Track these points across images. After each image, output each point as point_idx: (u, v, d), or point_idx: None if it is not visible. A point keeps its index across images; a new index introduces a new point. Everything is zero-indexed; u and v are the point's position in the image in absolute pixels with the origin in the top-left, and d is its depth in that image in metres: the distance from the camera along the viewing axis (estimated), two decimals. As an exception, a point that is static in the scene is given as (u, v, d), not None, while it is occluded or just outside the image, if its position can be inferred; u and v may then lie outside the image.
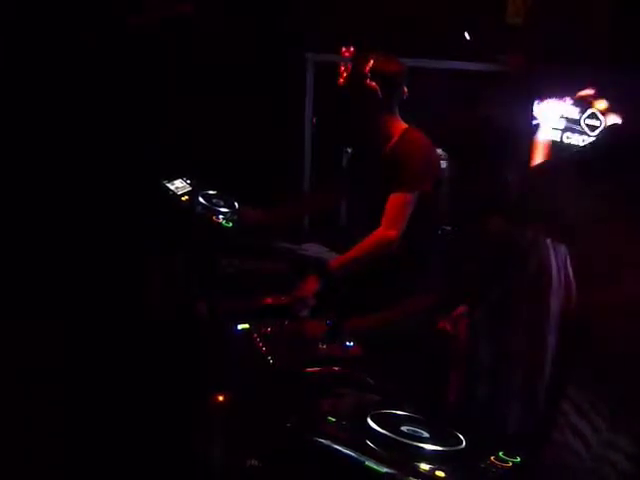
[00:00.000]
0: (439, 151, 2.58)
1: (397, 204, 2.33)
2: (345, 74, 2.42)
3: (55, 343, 2.71)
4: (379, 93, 2.36)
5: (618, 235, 1.41)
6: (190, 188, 2.68)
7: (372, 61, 2.35)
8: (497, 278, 1.83)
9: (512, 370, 1.81)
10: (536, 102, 3.00)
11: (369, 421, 1.38)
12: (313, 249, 2.99)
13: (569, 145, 2.98)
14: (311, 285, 2.25)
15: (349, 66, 2.40)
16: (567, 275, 1.79)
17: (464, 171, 1.97)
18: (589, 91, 2.41)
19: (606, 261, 1.42)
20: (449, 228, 3.63)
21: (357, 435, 1.33)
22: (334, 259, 2.45)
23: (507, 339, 1.83)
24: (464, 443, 1.38)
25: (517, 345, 1.80)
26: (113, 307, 2.78)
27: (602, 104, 1.72)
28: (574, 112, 3.00)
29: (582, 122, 2.88)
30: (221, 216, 2.59)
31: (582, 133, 2.91)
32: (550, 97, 2.82)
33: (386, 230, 2.31)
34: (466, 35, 3.85)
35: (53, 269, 3.02)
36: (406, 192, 2.33)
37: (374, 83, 2.35)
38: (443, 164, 3.50)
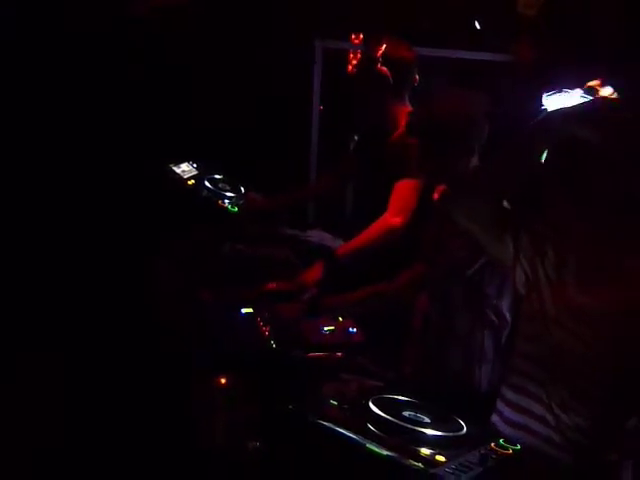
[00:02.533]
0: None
1: (403, 191, 2.33)
2: (354, 61, 2.41)
3: (57, 329, 2.72)
4: (390, 78, 2.35)
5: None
6: (196, 172, 2.68)
7: (384, 46, 2.34)
8: (478, 253, 1.87)
9: (485, 336, 1.96)
10: (545, 93, 2.98)
11: (371, 405, 1.39)
12: (317, 236, 2.99)
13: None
14: (316, 272, 2.26)
15: (358, 53, 2.39)
16: None
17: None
18: (597, 82, 2.39)
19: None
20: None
21: (359, 419, 1.34)
22: (340, 246, 2.45)
23: (481, 309, 1.96)
24: (465, 429, 1.39)
25: (488, 314, 1.96)
26: (118, 291, 2.78)
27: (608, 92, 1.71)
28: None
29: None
30: (227, 201, 2.59)
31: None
32: (559, 88, 2.80)
33: (392, 217, 2.32)
34: (476, 25, 3.82)
35: (58, 252, 3.03)
36: (412, 179, 2.33)
37: (385, 68, 2.35)
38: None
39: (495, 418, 1.56)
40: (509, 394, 1.54)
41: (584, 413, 1.43)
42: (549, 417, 1.46)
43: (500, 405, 1.56)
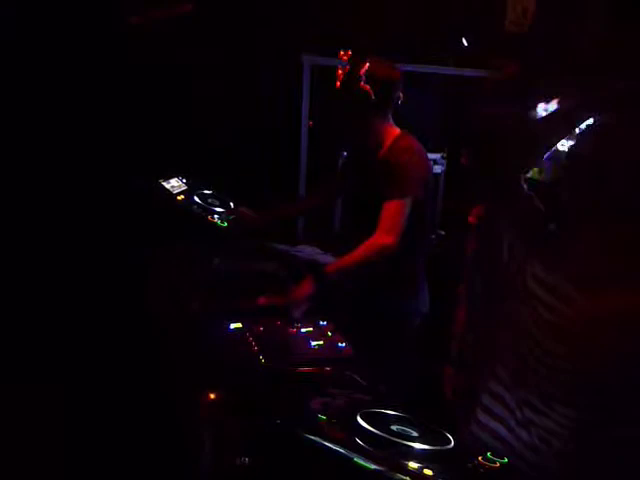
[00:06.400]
0: (431, 156, 2.61)
1: (393, 211, 2.34)
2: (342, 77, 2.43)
3: (53, 341, 2.71)
4: (372, 96, 2.37)
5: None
6: (186, 187, 2.69)
7: (368, 64, 2.37)
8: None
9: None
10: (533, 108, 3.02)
11: (359, 420, 1.40)
12: (307, 251, 3.00)
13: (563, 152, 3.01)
14: (306, 288, 2.26)
15: (346, 69, 2.42)
16: None
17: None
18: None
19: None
20: (443, 232, 3.67)
21: (347, 433, 1.34)
22: (331, 263, 2.46)
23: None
24: (452, 443, 1.40)
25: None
26: (111, 306, 2.78)
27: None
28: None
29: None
30: (216, 216, 2.59)
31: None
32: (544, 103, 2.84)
33: (383, 237, 2.33)
34: (464, 41, 3.87)
35: (51, 268, 3.02)
36: (401, 199, 2.35)
37: (368, 86, 2.37)
38: (437, 169, 3.54)
39: (477, 407, 1.60)
40: (490, 383, 1.58)
41: (545, 411, 1.47)
42: (518, 414, 1.50)
43: (483, 394, 1.60)
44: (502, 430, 1.54)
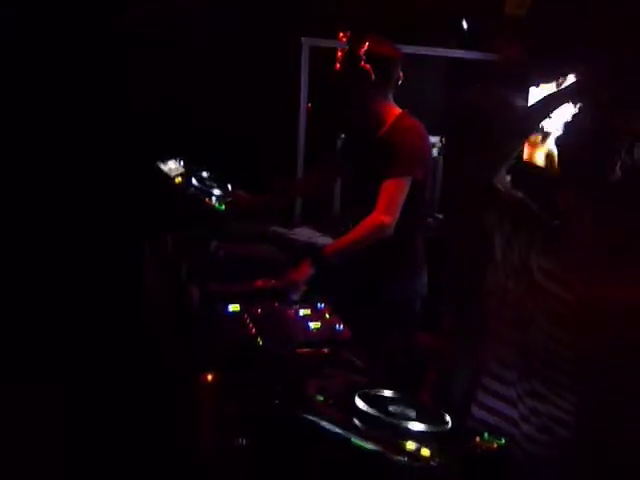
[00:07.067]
0: (432, 138, 2.59)
1: (391, 190, 2.33)
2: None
3: (53, 342, 2.71)
4: (372, 75, 2.36)
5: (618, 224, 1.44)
6: (183, 170, 2.68)
7: (367, 43, 2.35)
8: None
9: None
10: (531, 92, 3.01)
11: (357, 400, 1.40)
12: (304, 233, 3.00)
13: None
14: (304, 270, 2.26)
15: (346, 50, 2.40)
16: None
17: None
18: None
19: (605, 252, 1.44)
20: (441, 216, 3.66)
21: (344, 413, 1.35)
22: (328, 245, 2.45)
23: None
24: (450, 423, 1.40)
25: None
26: (109, 299, 2.78)
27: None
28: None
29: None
30: (214, 198, 2.58)
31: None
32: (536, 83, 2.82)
33: (381, 216, 2.32)
34: (464, 24, 3.84)
35: (49, 264, 3.02)
36: (400, 178, 2.33)
37: (368, 65, 2.35)
38: (436, 151, 3.52)
39: (473, 404, 1.60)
40: (485, 379, 1.59)
41: (552, 399, 1.47)
42: (521, 407, 1.51)
43: (478, 390, 1.60)
44: (502, 424, 1.54)
